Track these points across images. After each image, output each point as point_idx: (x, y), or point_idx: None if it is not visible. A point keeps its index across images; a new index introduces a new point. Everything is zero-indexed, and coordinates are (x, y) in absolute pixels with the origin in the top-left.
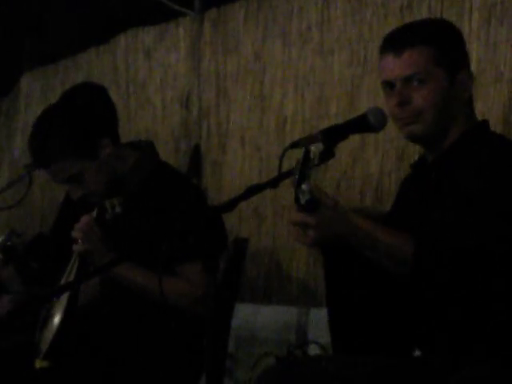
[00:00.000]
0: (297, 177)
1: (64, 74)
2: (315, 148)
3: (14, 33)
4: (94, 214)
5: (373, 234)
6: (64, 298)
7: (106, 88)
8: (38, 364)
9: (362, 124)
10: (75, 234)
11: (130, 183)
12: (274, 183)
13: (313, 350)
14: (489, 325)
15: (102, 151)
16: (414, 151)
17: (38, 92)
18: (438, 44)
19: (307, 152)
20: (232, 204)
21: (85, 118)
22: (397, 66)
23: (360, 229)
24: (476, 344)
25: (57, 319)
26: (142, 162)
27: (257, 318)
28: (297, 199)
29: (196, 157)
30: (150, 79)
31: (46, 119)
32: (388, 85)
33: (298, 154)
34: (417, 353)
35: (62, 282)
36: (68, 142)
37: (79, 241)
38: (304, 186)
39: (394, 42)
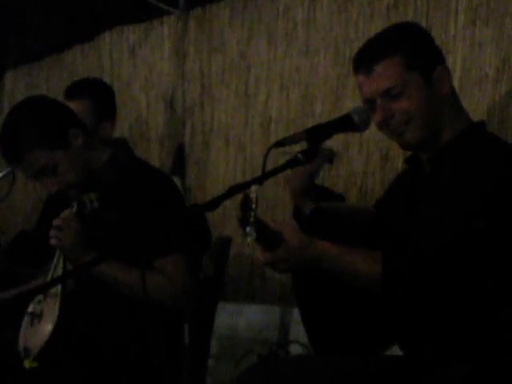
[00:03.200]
0: (240, 220)
1: (48, 72)
2: (254, 188)
3: None
4: (74, 208)
5: (341, 258)
6: (53, 299)
7: None
8: (28, 364)
9: (347, 123)
10: (53, 227)
11: (105, 178)
12: (258, 182)
13: (295, 350)
14: (467, 324)
15: (74, 141)
16: (399, 151)
17: (23, 90)
18: (404, 49)
19: (247, 195)
20: (216, 203)
21: (52, 108)
22: (370, 83)
23: (326, 254)
24: (457, 343)
25: (49, 322)
26: (116, 157)
27: (239, 317)
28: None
29: (180, 155)
30: (134, 77)
31: (14, 115)
32: (369, 102)
33: (282, 152)
34: (398, 351)
35: (49, 277)
36: (38, 131)
37: (57, 235)
38: (248, 229)
39: (362, 61)
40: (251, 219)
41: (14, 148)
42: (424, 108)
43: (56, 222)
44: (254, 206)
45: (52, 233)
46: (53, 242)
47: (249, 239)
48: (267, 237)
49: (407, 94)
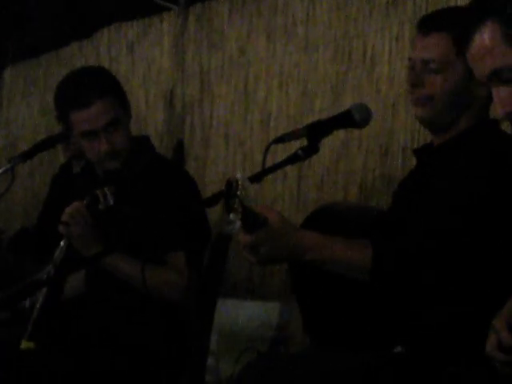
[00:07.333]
0: (224, 207)
1: (47, 68)
2: (240, 174)
3: None
4: (86, 201)
5: (327, 247)
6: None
7: None
8: (24, 345)
9: (347, 120)
10: (64, 216)
11: (129, 172)
12: (257, 178)
13: (295, 346)
14: (466, 321)
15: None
16: (398, 148)
17: (21, 86)
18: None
19: (230, 182)
20: (215, 199)
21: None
22: (421, 46)
23: (310, 242)
24: (458, 341)
25: (38, 305)
26: (140, 152)
27: (239, 314)
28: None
29: (179, 152)
30: (133, 74)
31: (84, 68)
32: (410, 62)
33: (282, 149)
34: (398, 348)
35: (50, 266)
36: (111, 82)
37: (67, 222)
38: (232, 216)
39: (424, 23)
40: (235, 206)
41: (85, 91)
42: (451, 94)
43: (68, 209)
44: (238, 192)
45: (63, 218)
46: (61, 229)
47: (232, 227)
48: (251, 219)
49: (443, 74)
